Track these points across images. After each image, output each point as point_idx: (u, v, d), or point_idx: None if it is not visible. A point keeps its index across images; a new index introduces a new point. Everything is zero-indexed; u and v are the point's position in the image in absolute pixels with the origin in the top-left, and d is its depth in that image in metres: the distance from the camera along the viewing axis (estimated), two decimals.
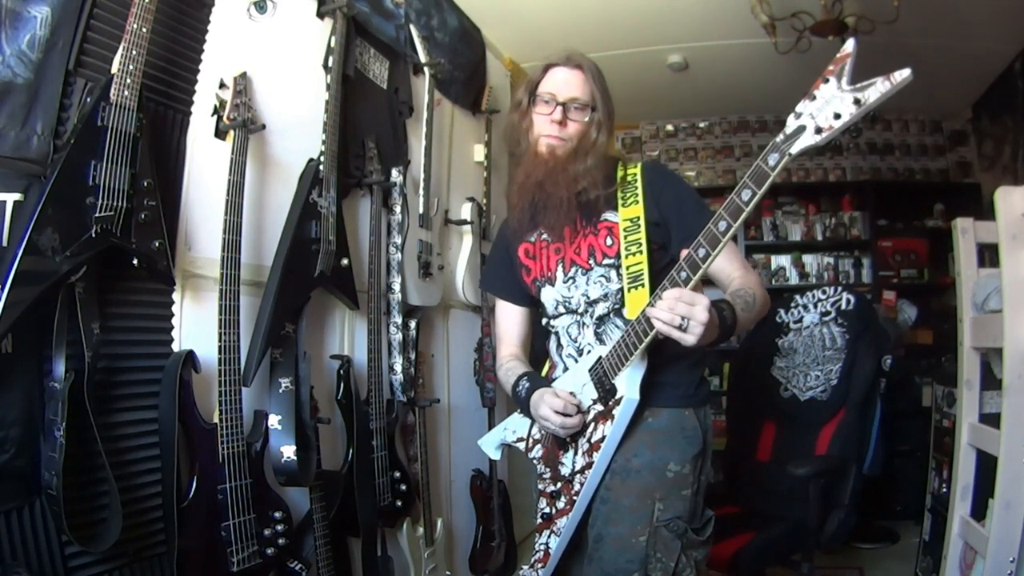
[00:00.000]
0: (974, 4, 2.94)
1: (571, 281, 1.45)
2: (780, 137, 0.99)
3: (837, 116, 0.93)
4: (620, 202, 1.41)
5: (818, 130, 0.95)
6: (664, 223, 1.40)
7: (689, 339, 1.12)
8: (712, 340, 1.19)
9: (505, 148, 3.26)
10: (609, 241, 1.41)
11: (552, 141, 1.41)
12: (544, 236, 1.50)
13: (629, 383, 1.31)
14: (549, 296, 1.50)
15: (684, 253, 1.15)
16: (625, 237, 1.38)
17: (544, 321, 1.54)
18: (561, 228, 1.46)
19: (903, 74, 0.88)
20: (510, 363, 1.57)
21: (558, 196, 1.40)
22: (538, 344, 1.65)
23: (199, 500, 1.39)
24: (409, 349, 2.19)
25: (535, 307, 1.59)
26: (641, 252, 1.35)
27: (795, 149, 0.98)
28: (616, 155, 1.49)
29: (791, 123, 0.98)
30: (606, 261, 1.41)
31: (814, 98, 0.95)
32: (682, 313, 1.11)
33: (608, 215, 1.43)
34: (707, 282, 1.37)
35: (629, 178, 1.44)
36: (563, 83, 1.42)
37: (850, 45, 0.94)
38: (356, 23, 2.02)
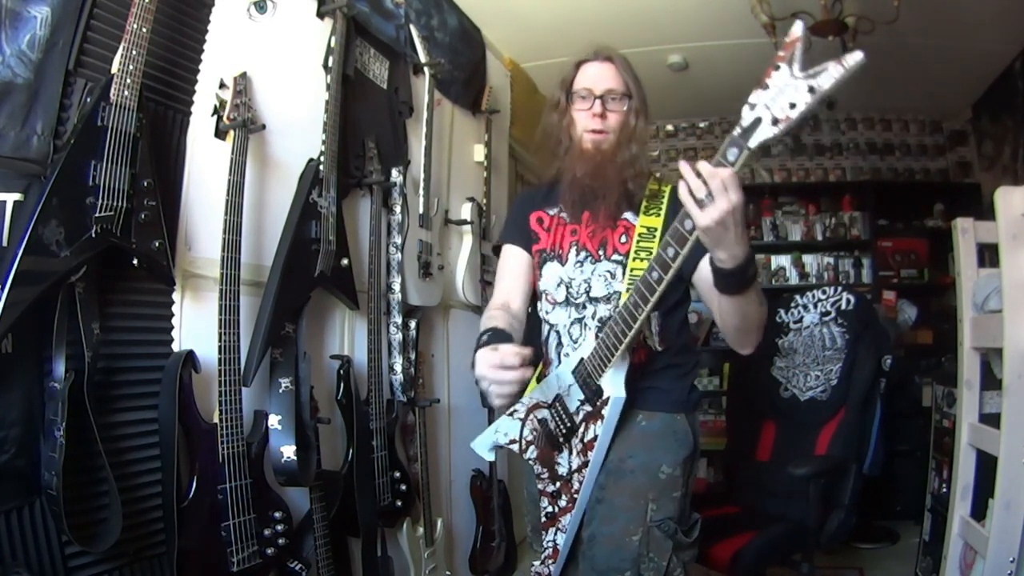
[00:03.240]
0: (974, 4, 2.94)
1: (579, 266, 1.46)
2: (737, 131, 0.95)
3: (793, 105, 0.89)
4: (643, 209, 1.43)
5: (775, 121, 0.91)
6: None
7: (702, 219, 1.00)
8: (730, 251, 1.06)
9: (506, 148, 3.26)
10: (623, 239, 1.43)
11: (596, 137, 1.43)
12: (563, 214, 1.51)
13: (614, 383, 1.32)
14: (552, 273, 1.49)
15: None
16: (638, 242, 1.39)
17: (542, 313, 1.53)
18: (580, 212, 1.47)
19: (855, 57, 0.85)
20: (493, 312, 1.48)
21: (607, 186, 1.41)
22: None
23: (199, 500, 1.39)
24: (409, 349, 2.19)
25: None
26: (648, 260, 1.35)
27: (754, 143, 0.94)
28: (651, 171, 1.51)
29: (746, 115, 0.93)
30: (615, 257, 1.43)
31: (767, 87, 0.91)
32: (713, 189, 0.98)
33: (628, 215, 1.44)
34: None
35: (660, 193, 1.45)
36: (597, 77, 1.45)
37: (798, 28, 0.89)
38: (356, 23, 2.02)
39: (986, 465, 1.86)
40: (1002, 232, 1.77)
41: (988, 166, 4.10)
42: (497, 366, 1.18)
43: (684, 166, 1.02)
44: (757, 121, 0.93)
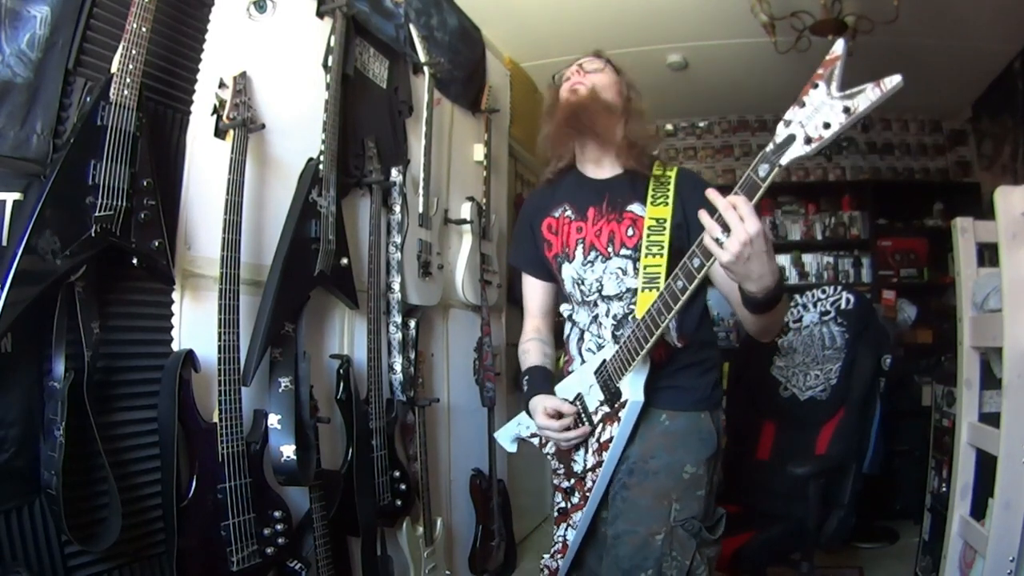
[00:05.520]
0: (974, 4, 2.94)
1: (589, 265, 1.47)
2: (770, 147, 0.96)
3: (827, 125, 0.90)
4: (650, 199, 1.42)
5: (808, 140, 0.92)
6: (686, 225, 1.40)
7: (723, 256, 1.02)
8: (761, 278, 1.06)
9: (505, 148, 3.26)
10: (631, 232, 1.43)
11: (574, 85, 1.46)
12: (568, 213, 1.52)
13: (633, 386, 1.33)
14: (567, 273, 1.52)
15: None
16: (648, 236, 1.39)
17: (566, 312, 1.56)
18: (586, 208, 1.48)
19: (894, 80, 0.85)
20: (527, 344, 1.61)
21: (585, 126, 1.43)
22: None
23: (199, 500, 1.39)
24: (409, 348, 2.19)
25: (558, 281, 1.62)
26: (661, 255, 1.36)
27: (785, 160, 0.95)
28: (654, 155, 1.53)
29: (781, 132, 0.95)
30: (624, 252, 1.43)
31: (803, 104, 0.92)
32: (729, 221, 1.00)
33: (634, 207, 1.44)
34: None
35: (664, 178, 1.45)
36: (584, 60, 1.51)
37: (839, 47, 0.90)
38: (356, 22, 2.02)
39: (986, 465, 1.86)
40: (1001, 231, 1.77)
41: (988, 165, 4.10)
42: (562, 428, 1.41)
43: (703, 214, 1.05)
44: (791, 138, 0.93)
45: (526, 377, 1.55)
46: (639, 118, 1.48)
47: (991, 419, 1.86)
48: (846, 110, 0.88)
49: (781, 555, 2.17)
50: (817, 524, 2.03)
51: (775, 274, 1.07)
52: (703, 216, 1.05)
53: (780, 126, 0.95)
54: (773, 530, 2.09)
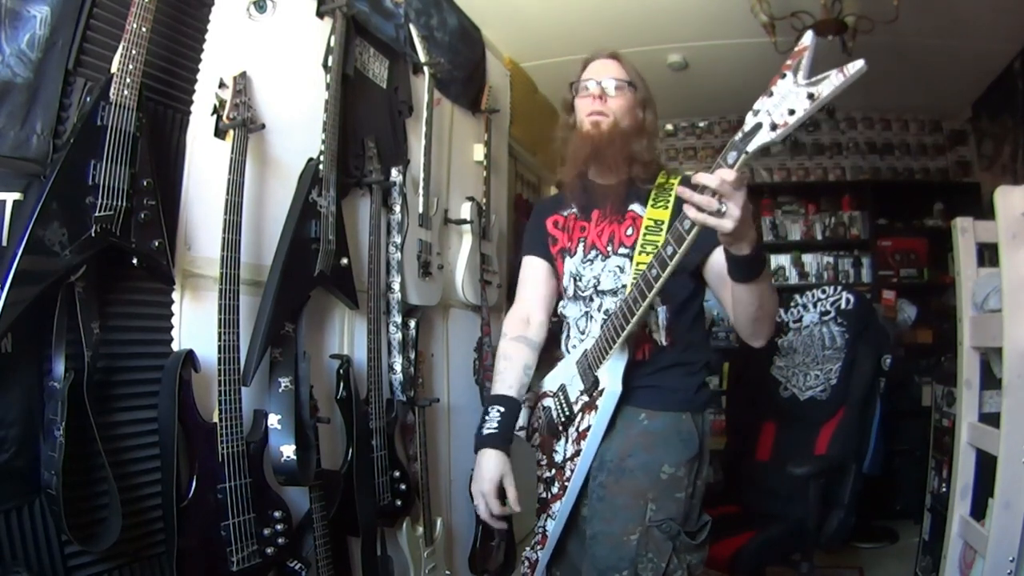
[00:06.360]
0: (974, 4, 2.94)
1: (588, 263, 1.49)
2: (738, 136, 1.00)
3: (791, 112, 0.92)
4: (651, 202, 1.45)
5: (774, 126, 0.95)
6: None
7: (727, 224, 1.02)
8: (748, 238, 1.09)
9: (505, 148, 3.26)
10: (630, 231, 1.45)
11: (595, 117, 1.45)
12: (574, 212, 1.56)
13: (611, 375, 1.34)
14: (566, 267, 1.54)
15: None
16: (644, 235, 1.41)
17: (561, 309, 1.57)
18: (591, 210, 1.51)
19: (856, 65, 0.87)
20: (509, 346, 1.57)
21: (606, 164, 1.44)
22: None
23: (199, 500, 1.39)
24: (409, 348, 2.19)
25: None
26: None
27: (752, 147, 0.98)
28: (662, 164, 1.55)
29: (749, 120, 0.98)
30: (622, 250, 1.45)
31: (771, 94, 0.95)
32: (723, 194, 1.01)
33: (636, 207, 1.47)
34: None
35: (668, 185, 1.47)
36: (601, 68, 1.49)
37: (807, 38, 0.93)
38: (356, 22, 2.02)
39: (986, 465, 1.87)
40: (1001, 231, 1.77)
41: (988, 165, 4.10)
42: (488, 514, 1.41)
43: (684, 190, 1.05)
44: (757, 126, 0.97)
45: (496, 407, 1.47)
46: (651, 137, 1.49)
47: (991, 419, 1.86)
48: (810, 96, 0.90)
49: (781, 555, 2.18)
50: (817, 524, 2.03)
51: (754, 227, 1.10)
52: (693, 196, 1.04)
53: (748, 115, 0.98)
54: (773, 530, 2.09)
